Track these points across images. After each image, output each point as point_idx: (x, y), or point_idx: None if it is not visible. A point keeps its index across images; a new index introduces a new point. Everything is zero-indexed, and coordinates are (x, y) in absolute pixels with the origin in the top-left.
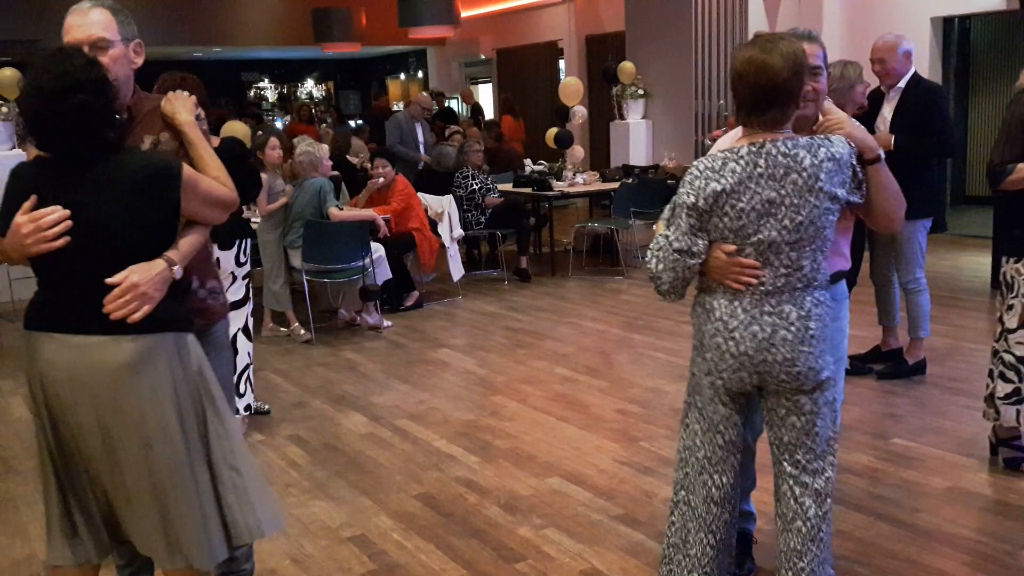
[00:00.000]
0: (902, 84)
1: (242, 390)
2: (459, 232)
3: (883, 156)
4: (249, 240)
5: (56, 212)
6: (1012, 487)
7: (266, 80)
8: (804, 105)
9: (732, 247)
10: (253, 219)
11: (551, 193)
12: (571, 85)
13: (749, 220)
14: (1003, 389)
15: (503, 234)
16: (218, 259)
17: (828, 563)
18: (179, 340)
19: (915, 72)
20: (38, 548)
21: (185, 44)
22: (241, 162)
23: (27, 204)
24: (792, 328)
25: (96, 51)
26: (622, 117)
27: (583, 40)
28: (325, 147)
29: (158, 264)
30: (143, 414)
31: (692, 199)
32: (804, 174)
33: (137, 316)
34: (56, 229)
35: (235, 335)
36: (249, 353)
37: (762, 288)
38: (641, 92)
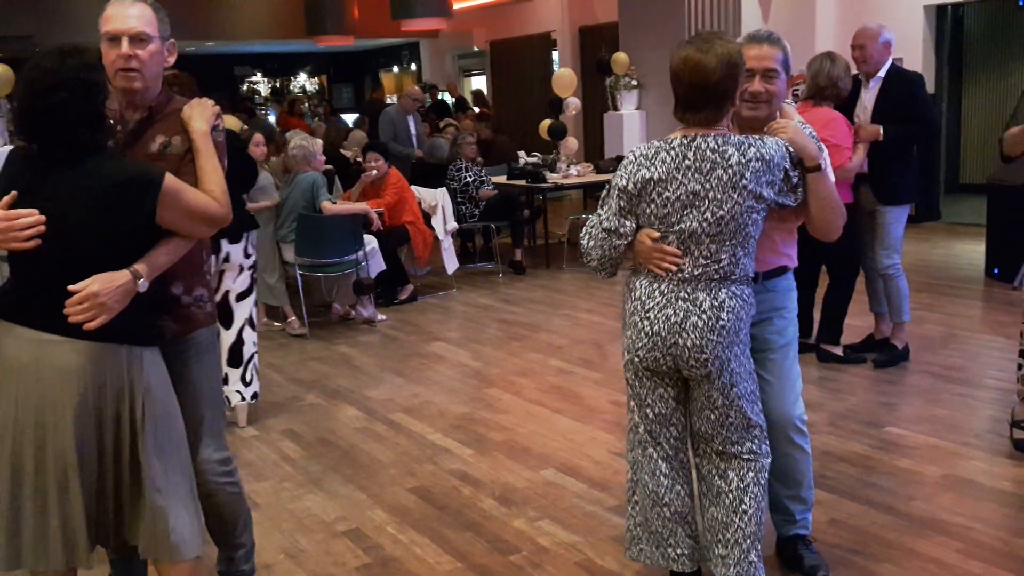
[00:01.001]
0: (882, 73)
1: (248, 378)
2: (453, 225)
3: (824, 166)
4: (255, 233)
5: (32, 216)
6: (1006, 475)
7: (259, 74)
8: (756, 107)
9: (657, 233)
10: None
11: (545, 185)
12: (564, 76)
13: (673, 209)
14: None
15: (497, 227)
16: (228, 253)
17: (757, 539)
18: (131, 353)
19: (893, 62)
20: None
21: (177, 39)
22: (241, 153)
23: (6, 199)
24: (704, 316)
25: (135, 44)
26: (616, 108)
27: (576, 31)
28: (319, 141)
29: (123, 275)
30: (66, 418)
31: (624, 182)
32: (730, 171)
33: (92, 325)
34: (27, 232)
35: (242, 326)
36: (254, 342)
37: (680, 275)
38: (635, 83)
